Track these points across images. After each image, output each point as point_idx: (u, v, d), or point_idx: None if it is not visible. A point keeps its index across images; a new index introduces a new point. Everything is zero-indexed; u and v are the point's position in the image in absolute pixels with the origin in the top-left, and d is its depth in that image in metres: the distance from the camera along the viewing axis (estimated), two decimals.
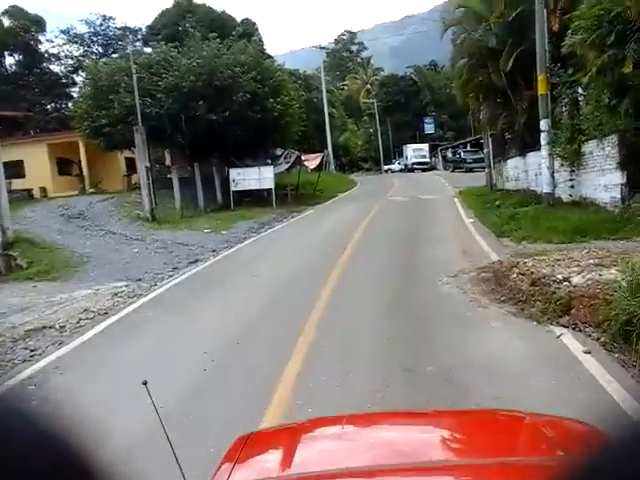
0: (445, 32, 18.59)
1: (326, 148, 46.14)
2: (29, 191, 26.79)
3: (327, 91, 52.30)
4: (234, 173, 24.62)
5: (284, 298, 8.45)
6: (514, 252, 9.78)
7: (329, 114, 48.66)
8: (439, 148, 60.40)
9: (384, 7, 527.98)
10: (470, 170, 43.52)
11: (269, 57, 29.83)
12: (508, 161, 20.29)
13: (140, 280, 10.73)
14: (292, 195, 28.32)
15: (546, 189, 14.24)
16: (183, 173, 23.93)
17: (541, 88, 14.12)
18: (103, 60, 29.50)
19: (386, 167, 69.37)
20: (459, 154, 47.35)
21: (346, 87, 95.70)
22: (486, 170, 22.41)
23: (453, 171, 47.28)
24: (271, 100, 24.16)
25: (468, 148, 50.15)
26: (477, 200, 20.40)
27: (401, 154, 67.77)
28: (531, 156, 17.29)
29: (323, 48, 47.54)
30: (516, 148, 18.62)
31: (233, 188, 24.55)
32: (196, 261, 12.57)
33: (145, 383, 1.56)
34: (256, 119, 23.63)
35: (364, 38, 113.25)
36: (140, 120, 20.14)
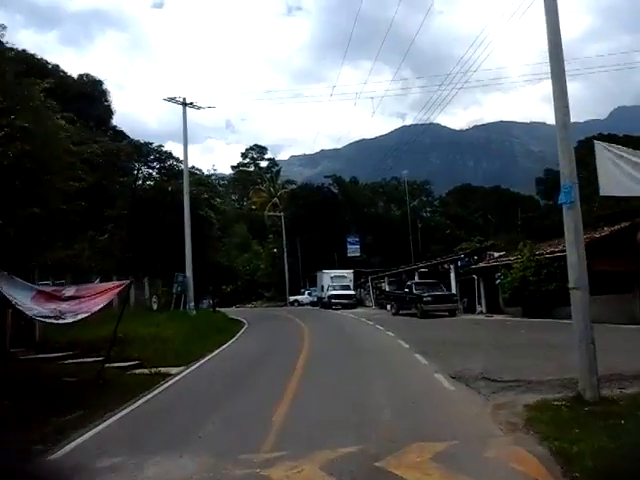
0: None
1: (181, 272, 27.18)
2: None
3: (204, 184, 34.42)
4: None
5: None
6: None
7: (204, 218, 30.25)
8: (369, 277, 43.51)
9: (301, 142, 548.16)
10: (425, 314, 26.78)
11: None
12: None
13: None
14: None
15: None
16: None
17: None
18: None
19: (292, 298, 52.58)
20: (408, 287, 30.30)
21: (250, 201, 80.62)
22: None
23: (397, 313, 30.11)
24: None
25: (417, 279, 33.77)
26: None
27: (313, 282, 49.95)
28: None
29: (173, 100, 29.74)
30: None
31: None
32: None
33: None
34: None
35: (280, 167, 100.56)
36: None
